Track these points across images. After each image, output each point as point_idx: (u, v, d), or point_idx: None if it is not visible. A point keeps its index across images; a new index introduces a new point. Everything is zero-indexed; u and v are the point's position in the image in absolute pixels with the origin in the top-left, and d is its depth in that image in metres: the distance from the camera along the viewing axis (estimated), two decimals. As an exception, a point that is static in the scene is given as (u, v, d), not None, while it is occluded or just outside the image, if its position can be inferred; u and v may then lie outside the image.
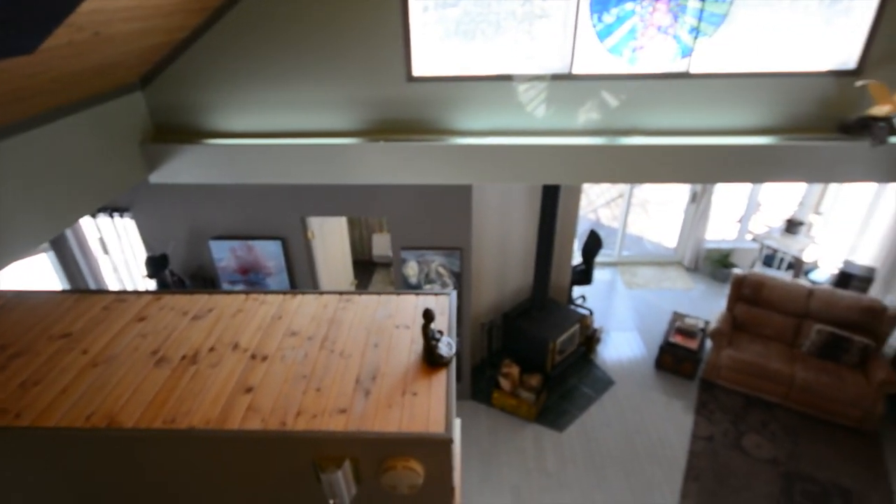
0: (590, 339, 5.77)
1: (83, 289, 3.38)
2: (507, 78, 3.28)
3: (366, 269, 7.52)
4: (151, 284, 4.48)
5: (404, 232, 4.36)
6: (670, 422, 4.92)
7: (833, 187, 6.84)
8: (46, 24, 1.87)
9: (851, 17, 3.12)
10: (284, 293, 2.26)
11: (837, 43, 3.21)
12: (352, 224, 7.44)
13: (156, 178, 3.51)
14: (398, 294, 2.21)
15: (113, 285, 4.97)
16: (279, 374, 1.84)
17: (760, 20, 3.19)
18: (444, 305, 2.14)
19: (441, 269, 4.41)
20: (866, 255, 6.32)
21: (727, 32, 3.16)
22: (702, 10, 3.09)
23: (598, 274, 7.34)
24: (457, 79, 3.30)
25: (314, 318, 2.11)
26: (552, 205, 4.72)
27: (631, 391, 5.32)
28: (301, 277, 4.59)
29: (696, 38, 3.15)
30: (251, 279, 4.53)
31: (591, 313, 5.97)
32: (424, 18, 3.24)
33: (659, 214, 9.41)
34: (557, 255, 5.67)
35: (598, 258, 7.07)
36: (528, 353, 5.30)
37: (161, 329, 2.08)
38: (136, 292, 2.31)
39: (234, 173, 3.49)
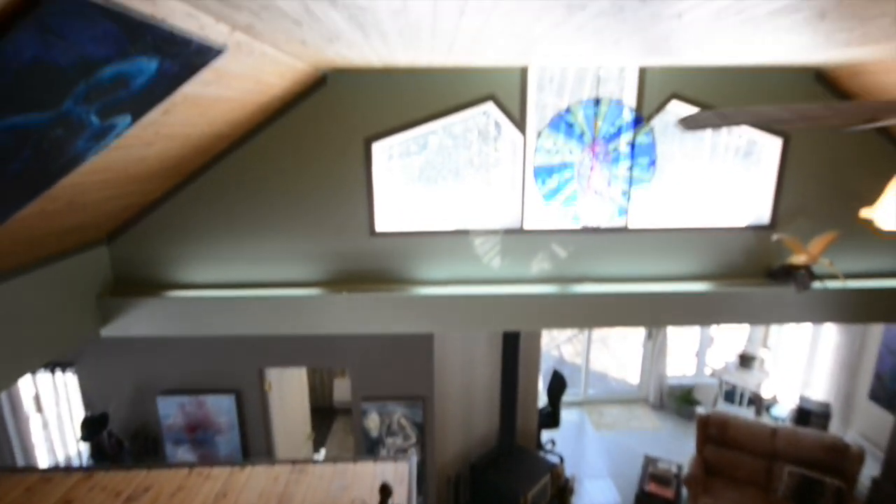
0: (563, 490, 5.43)
1: (5, 467, 3.05)
2: (463, 233, 3.53)
3: (326, 417, 7.11)
4: (84, 448, 4.08)
5: (365, 381, 4.25)
6: (656, 586, 4.49)
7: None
8: (19, 202, 1.92)
9: (762, 174, 3.61)
10: (232, 465, 2.11)
11: (753, 201, 3.67)
12: (312, 369, 7.19)
13: (108, 331, 3.40)
14: (355, 462, 2.10)
15: (41, 445, 4.50)
16: (218, 567, 1.65)
17: (684, 182, 3.66)
18: (403, 473, 2.03)
19: (403, 421, 4.23)
20: (818, 390, 6.50)
21: (656, 194, 3.58)
22: (631, 178, 3.52)
23: (566, 415, 7.17)
24: (416, 234, 3.52)
25: (263, 494, 1.96)
26: (513, 349, 4.78)
27: (611, 550, 4.91)
28: (254, 434, 4.29)
29: (629, 200, 3.55)
30: (199, 438, 4.20)
31: (562, 460, 5.72)
32: (389, 165, 3.56)
33: (620, 349, 9.57)
34: (522, 398, 5.57)
35: (565, 398, 6.96)
36: (498, 509, 4.91)
37: (88, 515, 1.87)
38: (65, 469, 2.12)
39: (192, 325, 3.43)
